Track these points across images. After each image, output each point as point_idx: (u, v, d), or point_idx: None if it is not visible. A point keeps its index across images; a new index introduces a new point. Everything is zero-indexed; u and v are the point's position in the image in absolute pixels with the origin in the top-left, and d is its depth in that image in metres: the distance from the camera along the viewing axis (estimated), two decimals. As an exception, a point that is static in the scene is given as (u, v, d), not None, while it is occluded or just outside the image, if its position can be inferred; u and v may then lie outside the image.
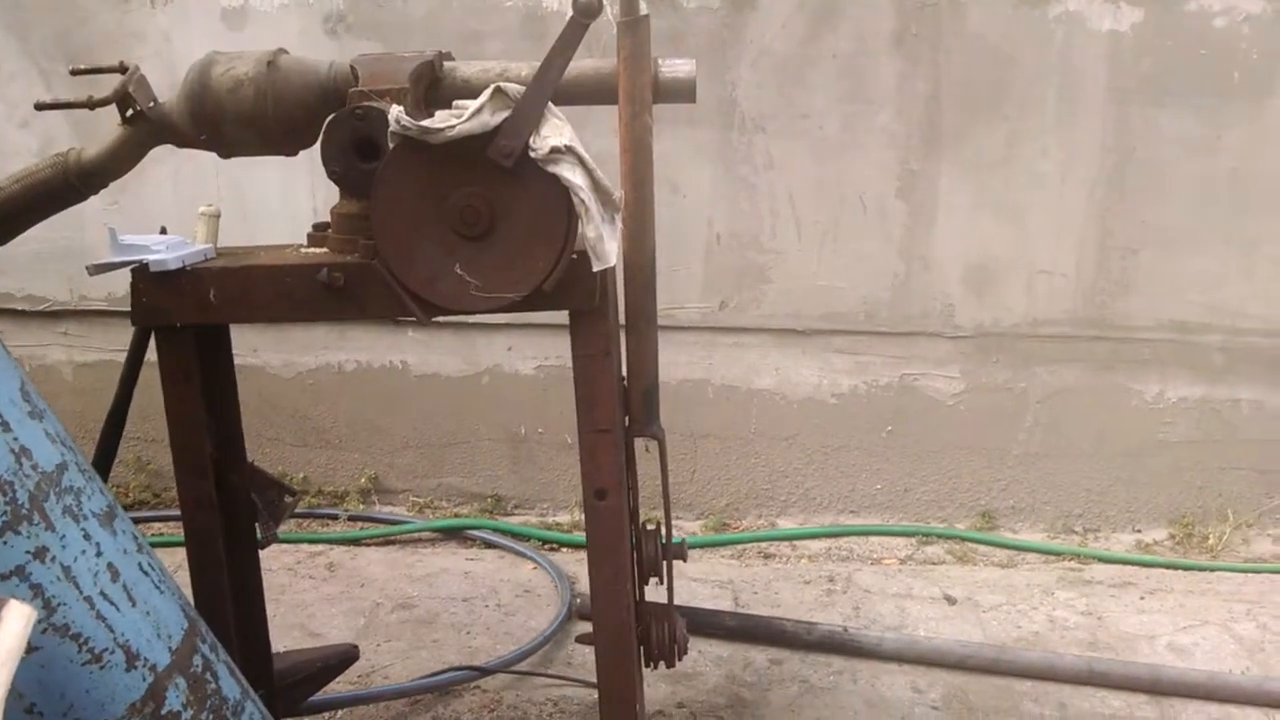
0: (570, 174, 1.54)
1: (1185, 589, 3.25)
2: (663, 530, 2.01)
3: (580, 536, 3.49)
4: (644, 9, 1.66)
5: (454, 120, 1.53)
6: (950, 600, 3.18)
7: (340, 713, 2.60)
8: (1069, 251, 3.44)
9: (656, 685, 2.70)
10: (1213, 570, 3.38)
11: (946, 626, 3.02)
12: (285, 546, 3.46)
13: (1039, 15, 3.27)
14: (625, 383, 1.90)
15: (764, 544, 3.57)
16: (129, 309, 1.70)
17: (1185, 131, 3.32)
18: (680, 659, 2.06)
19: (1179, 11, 3.24)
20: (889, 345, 3.56)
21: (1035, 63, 3.31)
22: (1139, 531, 3.63)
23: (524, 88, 1.56)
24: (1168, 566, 3.40)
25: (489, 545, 3.55)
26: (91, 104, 1.77)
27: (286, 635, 2.91)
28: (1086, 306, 3.48)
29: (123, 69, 1.74)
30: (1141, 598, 3.20)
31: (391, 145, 1.57)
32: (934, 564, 3.46)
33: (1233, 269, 3.42)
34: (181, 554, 1.84)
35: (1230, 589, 3.25)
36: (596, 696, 1.90)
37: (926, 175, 3.41)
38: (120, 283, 1.68)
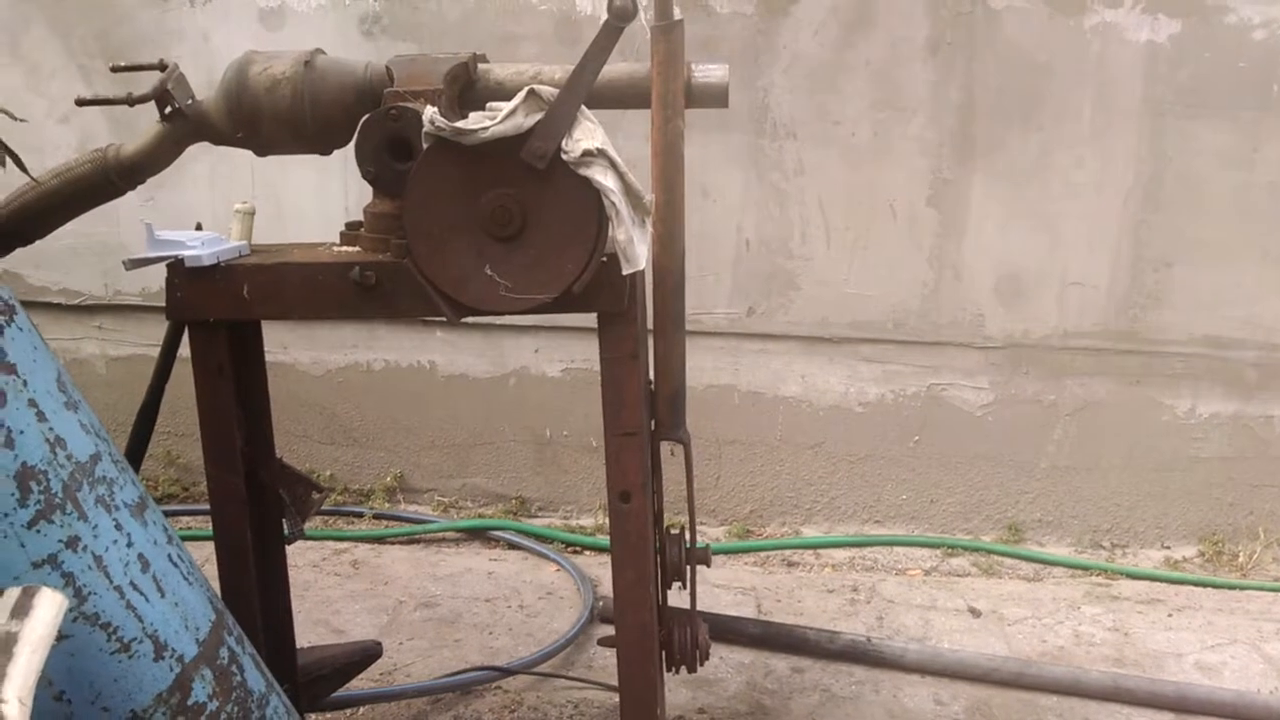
0: (602, 177, 1.55)
1: (1214, 607, 3.21)
2: (687, 535, 2.00)
3: (604, 539, 3.49)
4: (678, 14, 1.66)
5: (488, 122, 1.54)
6: (975, 613, 3.15)
7: (362, 709, 2.62)
8: (1102, 263, 3.41)
9: (677, 690, 2.69)
10: (1243, 589, 3.34)
11: (970, 639, 3.00)
12: (311, 543, 3.48)
13: (1075, 25, 3.25)
14: (652, 386, 1.90)
15: (788, 552, 3.56)
16: (163, 304, 1.72)
17: (1222, 144, 3.28)
18: (702, 664, 2.05)
19: (1218, 23, 3.20)
20: (917, 355, 3.55)
21: (1070, 73, 3.28)
22: (1168, 548, 3.59)
23: (558, 90, 1.56)
24: (1197, 584, 3.36)
25: (512, 546, 3.56)
26: (131, 101, 1.78)
27: (311, 631, 2.93)
28: (1118, 319, 3.45)
29: (162, 67, 1.75)
30: (1169, 615, 3.17)
31: (425, 146, 1.58)
32: (959, 576, 3.44)
33: (1269, 284, 3.37)
34: (209, 548, 1.85)
35: (1260, 608, 3.21)
36: (617, 700, 1.90)
37: (958, 184, 3.40)
38: (155, 278, 1.70)
